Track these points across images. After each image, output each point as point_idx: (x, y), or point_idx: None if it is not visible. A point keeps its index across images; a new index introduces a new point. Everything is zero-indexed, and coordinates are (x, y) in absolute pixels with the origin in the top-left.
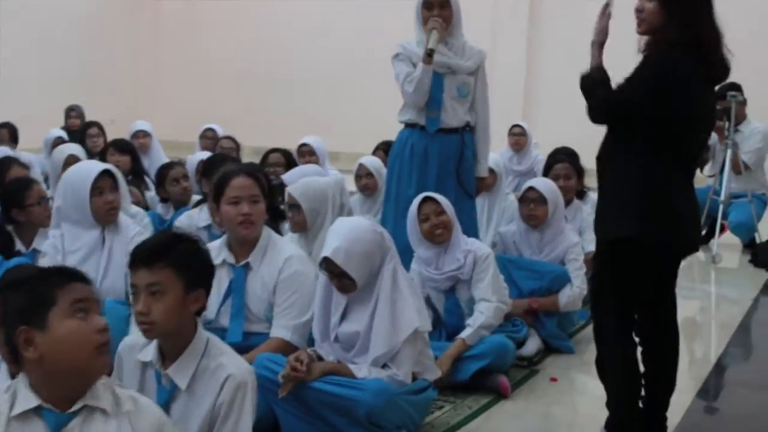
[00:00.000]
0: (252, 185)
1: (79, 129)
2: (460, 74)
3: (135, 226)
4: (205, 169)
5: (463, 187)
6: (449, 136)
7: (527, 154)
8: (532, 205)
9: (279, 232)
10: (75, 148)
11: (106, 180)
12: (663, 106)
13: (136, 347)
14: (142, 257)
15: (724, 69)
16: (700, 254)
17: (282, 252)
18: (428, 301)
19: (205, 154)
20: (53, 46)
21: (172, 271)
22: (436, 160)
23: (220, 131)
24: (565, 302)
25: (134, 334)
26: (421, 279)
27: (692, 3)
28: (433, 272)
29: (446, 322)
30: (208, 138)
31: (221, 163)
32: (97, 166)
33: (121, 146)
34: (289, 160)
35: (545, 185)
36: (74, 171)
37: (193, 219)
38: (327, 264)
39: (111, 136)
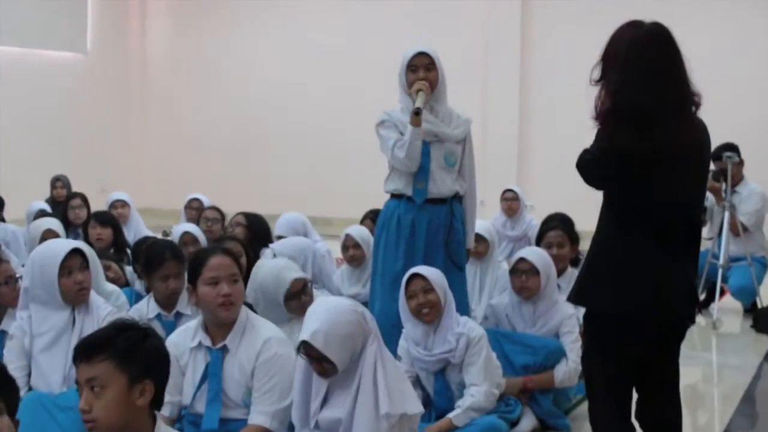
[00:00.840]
0: (231, 264)
1: (65, 200)
2: (448, 143)
3: (107, 306)
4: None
5: (453, 260)
6: (437, 206)
7: (520, 218)
8: (523, 277)
9: None
10: (52, 222)
11: (75, 259)
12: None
13: None
14: (81, 351)
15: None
16: (701, 320)
17: (261, 333)
18: (417, 381)
19: (190, 226)
20: (42, 115)
21: (112, 364)
22: (424, 232)
23: (206, 201)
24: (561, 378)
25: None
26: (409, 358)
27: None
28: (423, 353)
29: (435, 403)
30: (193, 208)
31: (154, 248)
32: (65, 245)
33: (103, 219)
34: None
35: (537, 255)
36: (42, 250)
37: (141, 311)
38: (306, 348)
39: (103, 205)
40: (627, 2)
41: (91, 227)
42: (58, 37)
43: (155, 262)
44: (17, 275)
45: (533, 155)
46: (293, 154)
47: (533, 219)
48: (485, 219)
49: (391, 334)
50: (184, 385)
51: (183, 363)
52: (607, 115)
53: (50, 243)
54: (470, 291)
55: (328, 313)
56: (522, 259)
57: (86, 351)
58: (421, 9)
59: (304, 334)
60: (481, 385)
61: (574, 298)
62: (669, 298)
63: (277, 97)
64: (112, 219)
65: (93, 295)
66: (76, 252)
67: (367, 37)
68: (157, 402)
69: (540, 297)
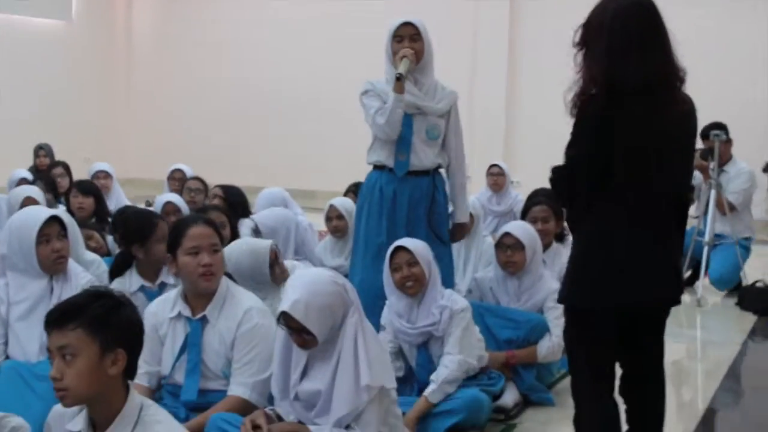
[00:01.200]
0: (211, 234)
1: (47, 168)
2: (431, 116)
3: (85, 274)
4: (117, 224)
5: (435, 232)
6: (419, 178)
7: (506, 194)
8: (509, 252)
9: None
10: (32, 190)
11: (53, 227)
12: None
13: (66, 415)
14: (53, 319)
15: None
16: (686, 297)
17: (241, 304)
18: (400, 352)
19: (172, 196)
20: (25, 84)
21: (84, 332)
22: (405, 204)
23: (189, 172)
24: (545, 354)
25: None
26: (393, 329)
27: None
28: (406, 325)
29: (418, 376)
30: (176, 179)
31: (142, 215)
32: (43, 213)
33: (85, 188)
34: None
35: (522, 230)
36: (20, 217)
37: (124, 284)
38: (285, 319)
39: (86, 175)
40: None
41: (73, 196)
42: (42, 3)
43: (148, 227)
44: None
45: (520, 131)
46: (277, 126)
47: (519, 194)
48: (471, 194)
49: (374, 306)
50: (163, 355)
51: (162, 333)
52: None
53: (28, 210)
54: (455, 265)
55: (309, 283)
56: (507, 234)
57: (58, 318)
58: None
59: (284, 305)
60: (454, 353)
61: (573, 299)
62: (658, 288)
63: (262, 68)
64: (93, 188)
65: (71, 264)
66: (54, 220)
67: (353, 7)
68: (130, 371)
69: (525, 272)
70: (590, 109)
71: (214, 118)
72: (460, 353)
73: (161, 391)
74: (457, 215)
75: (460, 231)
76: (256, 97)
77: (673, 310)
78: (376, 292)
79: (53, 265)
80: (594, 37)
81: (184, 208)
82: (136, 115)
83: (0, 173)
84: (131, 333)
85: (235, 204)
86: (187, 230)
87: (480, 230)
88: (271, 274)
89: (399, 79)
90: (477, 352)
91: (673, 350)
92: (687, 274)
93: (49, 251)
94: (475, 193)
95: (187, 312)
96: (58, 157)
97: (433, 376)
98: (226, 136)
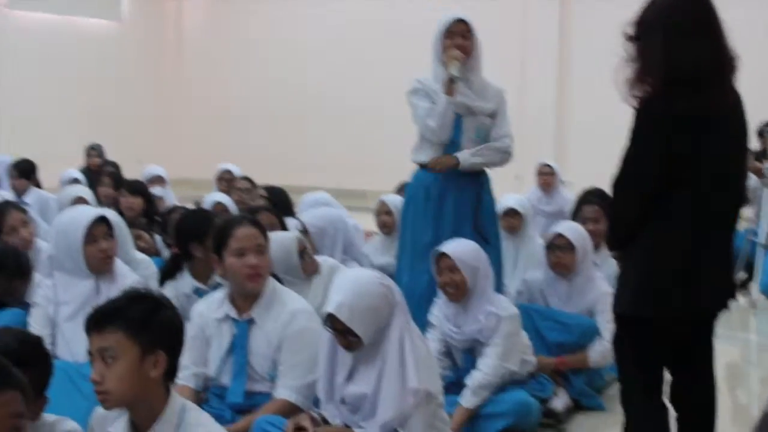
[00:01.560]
0: (257, 234)
1: (99, 168)
2: (480, 115)
3: (133, 275)
4: (166, 223)
5: (481, 233)
6: (466, 177)
7: (556, 193)
8: (559, 253)
9: None
10: (82, 190)
11: (100, 227)
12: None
13: (109, 418)
14: (93, 321)
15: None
16: (740, 299)
17: (288, 305)
18: (449, 353)
19: (221, 196)
20: (77, 83)
21: (124, 335)
22: (452, 204)
23: (237, 172)
24: (596, 359)
25: None
26: (441, 329)
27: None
28: (453, 329)
29: (464, 379)
30: (225, 179)
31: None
32: (90, 213)
33: (134, 188)
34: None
35: (573, 231)
36: (67, 217)
37: (177, 287)
38: (331, 320)
39: (139, 176)
40: None
41: (122, 196)
42: (93, 4)
43: (205, 224)
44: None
45: (571, 130)
46: (330, 126)
47: (570, 194)
48: (522, 193)
49: (419, 306)
50: (209, 357)
51: (209, 334)
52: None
53: (75, 210)
54: (504, 266)
55: (354, 285)
56: (558, 235)
57: (98, 321)
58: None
59: (330, 306)
60: (492, 359)
61: (632, 308)
62: (715, 294)
63: (315, 68)
64: (142, 188)
65: (119, 264)
66: (101, 220)
67: (406, 8)
68: (170, 373)
69: (576, 273)
70: (647, 112)
71: (264, 117)
72: (500, 359)
73: (208, 393)
74: (461, 154)
75: (445, 161)
76: (306, 95)
77: (725, 313)
78: (421, 292)
79: (100, 265)
80: (648, 30)
81: (233, 209)
82: (187, 115)
83: (52, 173)
84: (172, 335)
85: (279, 204)
86: (233, 231)
87: (529, 230)
88: (302, 266)
89: (453, 81)
90: (520, 358)
91: (726, 354)
92: (740, 275)
93: (96, 251)
94: (526, 192)
95: (233, 313)
96: (110, 157)
97: (467, 380)
98: (276, 135)
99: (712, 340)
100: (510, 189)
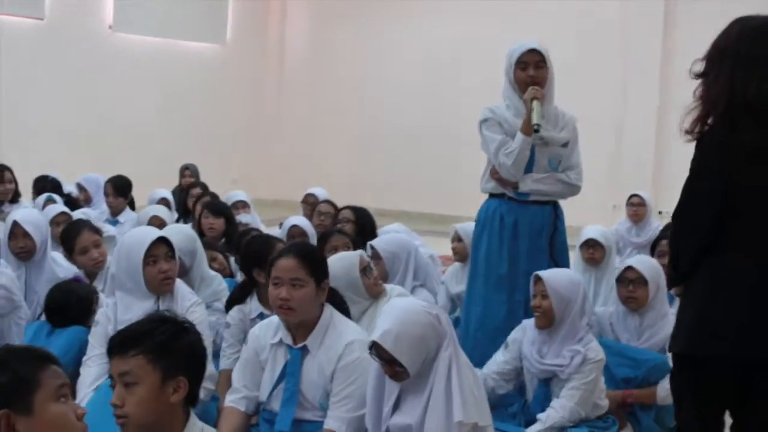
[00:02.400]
0: (295, 267)
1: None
2: (553, 146)
3: (192, 296)
4: (239, 246)
5: (556, 262)
6: (540, 207)
7: (647, 225)
8: (631, 287)
9: None
10: (160, 210)
11: (160, 247)
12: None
13: None
14: (115, 345)
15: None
16: None
17: (343, 336)
18: (518, 375)
19: (299, 219)
20: (180, 105)
21: (145, 359)
22: (527, 233)
23: (322, 195)
24: (665, 395)
25: None
26: (520, 351)
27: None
28: (535, 356)
29: (532, 408)
30: (309, 203)
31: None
32: (151, 234)
33: (216, 209)
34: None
35: (646, 264)
36: (129, 237)
37: (244, 311)
38: (377, 349)
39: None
40: None
41: (204, 217)
42: (198, 28)
43: (266, 249)
44: None
45: (672, 159)
46: (423, 151)
47: (660, 225)
48: (611, 225)
49: (494, 338)
50: (262, 381)
51: (263, 358)
52: (721, 111)
53: (137, 231)
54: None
55: (401, 313)
56: (629, 268)
57: (120, 345)
58: (556, 5)
59: (375, 335)
60: (569, 401)
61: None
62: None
63: (412, 94)
64: (225, 209)
65: (179, 285)
66: (161, 241)
67: (501, 36)
68: (191, 397)
69: (648, 308)
70: (709, 142)
71: (362, 141)
72: (576, 402)
73: (259, 417)
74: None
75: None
76: (404, 121)
77: None
78: (496, 324)
79: (159, 286)
80: (715, 62)
81: (310, 232)
82: (286, 137)
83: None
84: (194, 360)
85: (364, 226)
86: (277, 260)
87: (613, 262)
88: (363, 283)
89: (537, 131)
90: (594, 402)
91: None
92: None
93: (156, 272)
94: (616, 224)
95: (288, 340)
96: (206, 178)
97: (541, 415)
98: (374, 158)
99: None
100: (607, 219)
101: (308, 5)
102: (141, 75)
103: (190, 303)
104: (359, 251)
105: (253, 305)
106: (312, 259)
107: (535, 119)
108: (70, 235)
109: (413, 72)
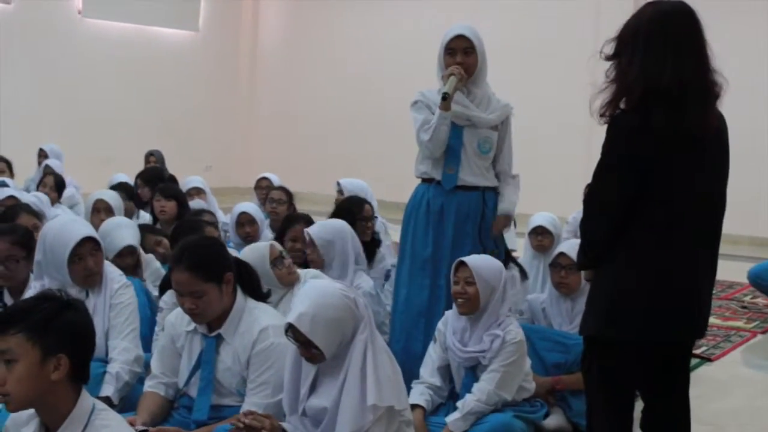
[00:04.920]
0: (189, 280)
1: None
2: (482, 128)
3: (121, 278)
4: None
5: (484, 249)
6: (468, 193)
7: None
8: (563, 272)
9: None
10: (107, 194)
11: (86, 245)
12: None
13: (22, 419)
14: None
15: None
16: None
17: (258, 321)
18: (447, 369)
19: (248, 206)
20: (152, 92)
21: (24, 337)
22: (452, 220)
23: (275, 181)
24: None
25: None
26: (444, 343)
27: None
28: (458, 345)
29: (461, 397)
30: (262, 188)
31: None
32: (76, 233)
33: (168, 192)
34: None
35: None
36: (54, 233)
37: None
38: (293, 331)
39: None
40: None
41: (156, 199)
42: (170, 14)
43: (194, 234)
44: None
45: None
46: (400, 137)
47: None
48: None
49: (416, 322)
50: (180, 368)
51: (179, 345)
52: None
53: (62, 227)
54: (532, 284)
55: (317, 296)
56: (562, 254)
57: (1, 323)
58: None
59: (291, 317)
60: (488, 385)
61: (602, 328)
62: (691, 321)
63: (387, 79)
64: (177, 192)
65: (107, 267)
66: (87, 238)
67: (478, 19)
68: (80, 375)
69: (580, 293)
70: (621, 126)
71: (337, 128)
72: (496, 386)
73: (178, 402)
74: (500, 206)
75: (501, 222)
76: (378, 107)
77: (765, 341)
78: (419, 308)
79: (84, 282)
80: (628, 45)
81: (260, 218)
82: (260, 124)
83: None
84: (75, 337)
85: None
86: (172, 271)
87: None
88: (275, 274)
89: (445, 98)
90: (518, 385)
91: (766, 385)
92: None
93: (82, 269)
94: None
95: (202, 328)
96: (180, 165)
97: (459, 403)
98: (350, 145)
99: (689, 365)
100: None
101: None
102: (111, 61)
103: (119, 285)
104: (269, 242)
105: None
106: (204, 264)
107: (445, 88)
108: (7, 219)
109: (388, 58)
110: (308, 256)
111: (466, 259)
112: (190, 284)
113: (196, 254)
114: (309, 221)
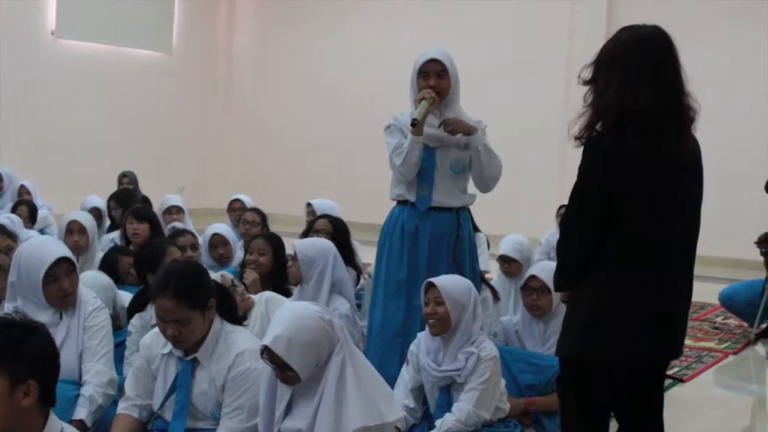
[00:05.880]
0: (175, 308)
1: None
2: (453, 148)
3: (96, 301)
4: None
5: (459, 270)
6: (442, 214)
7: None
8: (534, 295)
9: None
10: (80, 215)
11: (61, 266)
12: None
13: None
14: None
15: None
16: (759, 349)
17: (234, 345)
18: (420, 389)
19: (220, 227)
20: (125, 112)
21: None
22: (426, 241)
23: (249, 202)
24: None
25: None
26: (418, 365)
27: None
28: (432, 365)
29: (435, 417)
30: (236, 209)
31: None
32: (51, 254)
33: (140, 214)
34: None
35: (549, 273)
36: (28, 253)
37: (144, 318)
38: (268, 353)
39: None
40: None
41: (129, 222)
42: (144, 35)
43: (157, 255)
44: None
45: None
46: (374, 160)
47: None
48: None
49: (392, 344)
50: (155, 390)
51: (154, 367)
52: (612, 119)
53: (37, 247)
54: (504, 306)
55: (293, 318)
56: (533, 277)
57: None
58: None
59: (266, 339)
60: (467, 404)
61: (579, 348)
62: (665, 339)
63: (362, 100)
64: (149, 214)
65: (81, 290)
66: (62, 259)
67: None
68: (47, 398)
69: (552, 315)
70: (597, 149)
71: (311, 148)
72: (474, 405)
73: (152, 424)
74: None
75: (455, 122)
76: (354, 126)
77: (740, 363)
78: (395, 329)
79: (60, 303)
80: (604, 68)
81: (233, 240)
82: (234, 145)
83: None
84: (42, 362)
85: (339, 234)
86: (156, 299)
87: None
88: None
89: (414, 125)
90: (495, 405)
91: (736, 404)
92: (764, 326)
93: (56, 290)
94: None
95: (178, 352)
96: (153, 185)
97: (437, 422)
98: (324, 165)
99: (663, 385)
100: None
101: (255, 14)
102: (85, 82)
103: (93, 308)
104: (220, 272)
105: (153, 311)
106: (190, 292)
107: (415, 114)
108: None
109: (362, 78)
110: (288, 269)
111: (434, 279)
112: (175, 312)
113: (183, 282)
114: (271, 237)
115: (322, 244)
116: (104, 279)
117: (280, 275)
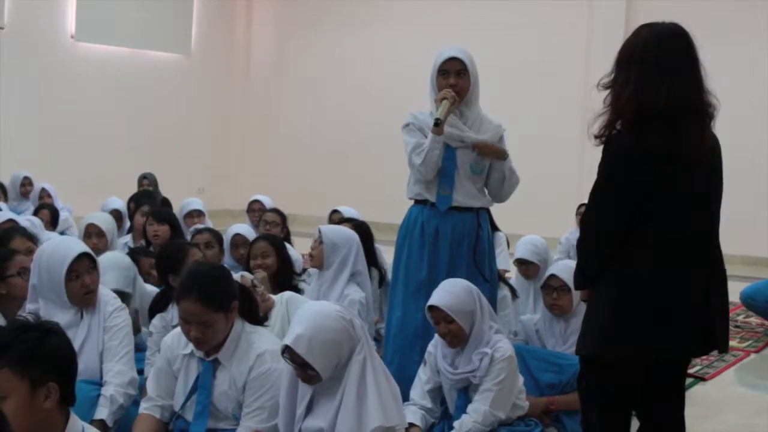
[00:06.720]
0: (200, 311)
1: None
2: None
3: (116, 301)
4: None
5: (479, 270)
6: (462, 214)
7: None
8: (555, 294)
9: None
10: (100, 218)
11: (82, 262)
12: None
13: None
14: None
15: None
16: None
17: (255, 346)
18: (438, 391)
19: (242, 227)
20: (144, 115)
21: (11, 372)
22: (447, 241)
23: (268, 203)
24: None
25: None
26: (435, 367)
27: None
28: (449, 368)
29: (454, 418)
30: (255, 210)
31: (179, 252)
32: (72, 250)
33: (161, 216)
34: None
35: (569, 272)
36: (50, 251)
37: (166, 318)
38: (289, 353)
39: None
40: None
41: (149, 224)
42: (162, 38)
43: (180, 255)
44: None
45: None
46: (392, 159)
47: None
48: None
49: (413, 344)
50: (176, 390)
51: (175, 368)
52: (630, 116)
53: (58, 245)
54: (524, 305)
55: (314, 318)
56: (553, 276)
57: None
58: (518, 15)
59: (288, 339)
60: (483, 405)
61: (599, 347)
62: (693, 337)
63: (381, 100)
64: (169, 216)
65: (101, 290)
66: (83, 254)
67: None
68: (67, 398)
69: (573, 314)
70: (616, 147)
71: (328, 150)
72: (490, 405)
73: (173, 424)
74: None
75: (487, 147)
76: (372, 128)
77: (762, 361)
78: (415, 330)
79: (82, 300)
80: (624, 66)
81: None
82: (253, 146)
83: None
84: (61, 363)
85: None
86: (180, 301)
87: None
88: None
89: (437, 124)
90: (512, 403)
91: (760, 405)
92: None
93: (79, 287)
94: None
95: (199, 352)
96: (172, 187)
97: (455, 424)
98: (341, 167)
99: (684, 383)
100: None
101: (273, 15)
102: (104, 85)
103: (113, 308)
104: (240, 272)
105: (174, 312)
106: (215, 295)
107: (437, 114)
108: (2, 242)
109: (382, 79)
110: (311, 251)
111: (434, 302)
112: (200, 314)
113: (208, 284)
114: (270, 238)
115: (347, 232)
116: (125, 259)
117: (285, 273)
